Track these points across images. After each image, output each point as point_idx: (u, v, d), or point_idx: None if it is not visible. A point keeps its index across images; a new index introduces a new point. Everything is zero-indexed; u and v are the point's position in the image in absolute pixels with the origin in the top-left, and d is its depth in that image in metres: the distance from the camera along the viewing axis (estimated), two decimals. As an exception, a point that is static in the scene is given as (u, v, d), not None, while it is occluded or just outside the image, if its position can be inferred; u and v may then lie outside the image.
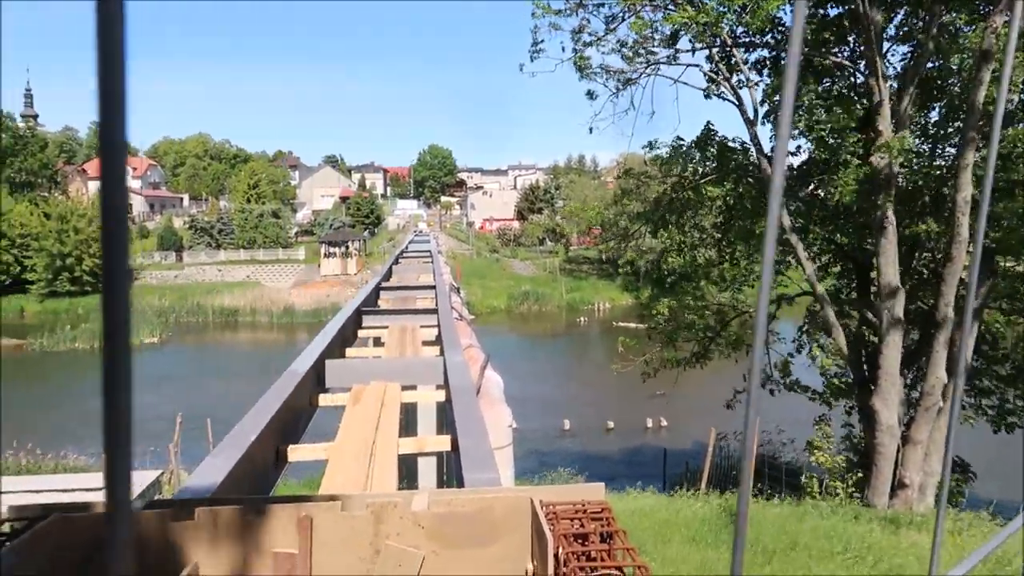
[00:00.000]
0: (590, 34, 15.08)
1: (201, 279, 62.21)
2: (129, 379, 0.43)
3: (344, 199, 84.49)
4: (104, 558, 0.45)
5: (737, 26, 14.30)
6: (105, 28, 0.38)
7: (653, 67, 15.58)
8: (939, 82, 14.36)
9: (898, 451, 13.53)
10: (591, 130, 16.44)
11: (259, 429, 3.84)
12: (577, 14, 14.92)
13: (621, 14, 14.71)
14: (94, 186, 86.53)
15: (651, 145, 16.19)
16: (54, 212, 59.29)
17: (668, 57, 15.41)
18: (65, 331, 47.04)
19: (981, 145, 12.48)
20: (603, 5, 14.74)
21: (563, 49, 15.46)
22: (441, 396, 5.90)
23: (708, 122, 16.19)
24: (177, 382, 33.30)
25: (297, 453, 4.35)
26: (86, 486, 12.53)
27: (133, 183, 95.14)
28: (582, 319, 56.46)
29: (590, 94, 16.05)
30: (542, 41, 15.28)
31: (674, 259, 17.65)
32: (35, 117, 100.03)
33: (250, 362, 37.11)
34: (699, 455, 17.99)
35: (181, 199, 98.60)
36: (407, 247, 31.19)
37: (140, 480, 12.20)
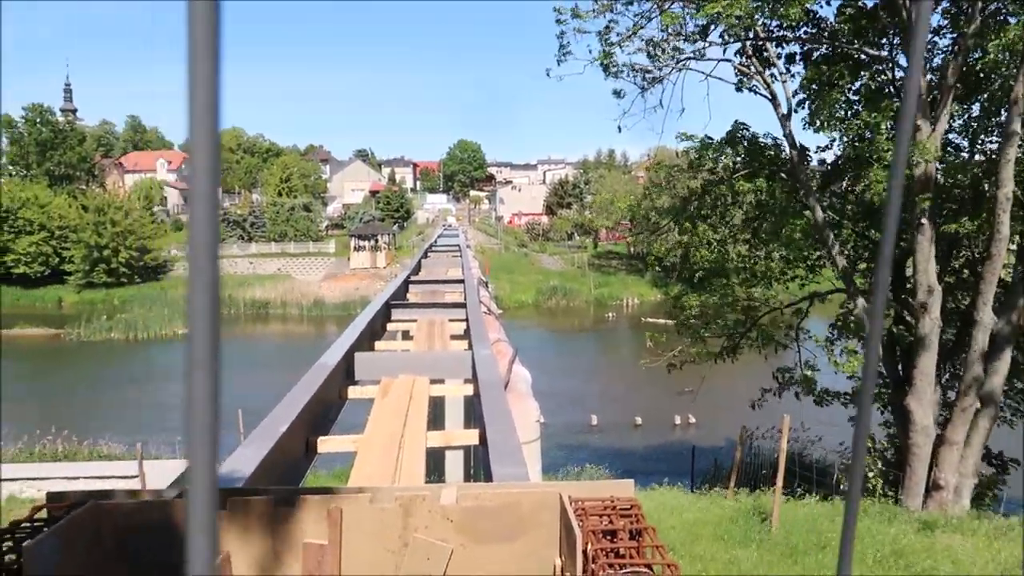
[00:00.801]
0: (617, 34, 14.95)
1: (233, 271, 63.03)
2: (215, 368, 0.44)
3: (374, 193, 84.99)
4: (189, 544, 0.45)
5: (771, 19, 14.09)
6: (198, 27, 0.38)
7: (682, 63, 15.41)
8: (980, 75, 14.02)
9: (933, 452, 13.29)
10: (620, 128, 16.31)
11: (290, 420, 3.88)
12: (604, 16, 14.79)
13: (650, 11, 14.56)
14: (131, 179, 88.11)
15: (684, 136, 16.01)
16: (92, 205, 60.45)
17: (696, 52, 15.23)
18: (101, 321, 47.98)
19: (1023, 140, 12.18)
20: (632, 3, 14.59)
21: (590, 51, 15.36)
22: (469, 390, 5.92)
23: (736, 120, 15.99)
24: (209, 373, 33.70)
25: (327, 445, 4.39)
26: (120, 473, 12.78)
27: (168, 176, 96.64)
28: (610, 315, 56.23)
29: (617, 93, 15.92)
30: (568, 44, 15.19)
31: (703, 254, 17.45)
32: (74, 111, 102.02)
33: (280, 354, 37.55)
34: (727, 453, 17.85)
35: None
36: (436, 241, 31.35)
37: (173, 469, 12.41)
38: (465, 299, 9.89)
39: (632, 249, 65.28)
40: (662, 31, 14.61)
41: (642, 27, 14.68)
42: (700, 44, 15.10)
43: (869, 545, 8.85)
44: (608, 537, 2.18)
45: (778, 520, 9.39)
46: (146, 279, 61.13)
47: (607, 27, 14.84)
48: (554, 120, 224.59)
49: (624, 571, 2.00)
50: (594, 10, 14.67)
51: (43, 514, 2.47)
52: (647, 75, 15.55)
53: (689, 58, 15.36)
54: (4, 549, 2.24)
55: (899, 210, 0.54)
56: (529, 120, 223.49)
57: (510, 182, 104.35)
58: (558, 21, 14.91)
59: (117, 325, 47.63)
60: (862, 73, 14.51)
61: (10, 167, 70.27)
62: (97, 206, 60.25)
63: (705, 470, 18.62)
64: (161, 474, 11.73)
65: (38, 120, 71.27)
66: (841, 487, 14.23)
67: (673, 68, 15.45)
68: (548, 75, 15.74)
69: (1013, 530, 10.18)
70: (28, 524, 2.40)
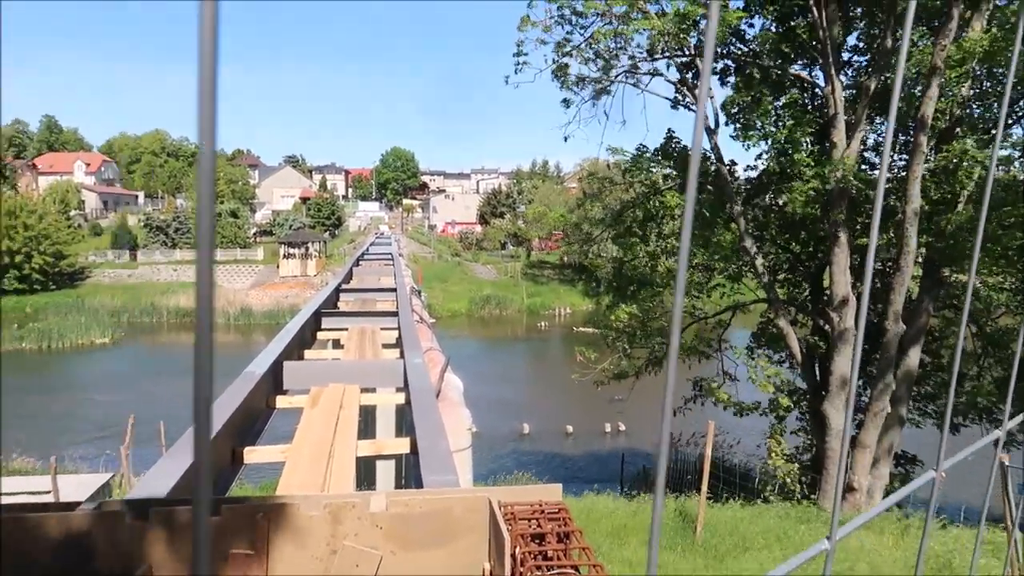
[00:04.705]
0: (571, 45, 15.33)
1: (156, 278, 60.93)
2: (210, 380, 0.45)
3: (305, 200, 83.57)
4: (194, 550, 0.46)
5: (699, 36, 14.56)
6: (204, 30, 0.40)
7: (624, 75, 15.84)
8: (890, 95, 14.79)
9: (848, 456, 13.86)
10: (566, 139, 16.68)
11: (215, 431, 3.80)
12: (563, 27, 15.16)
13: (596, 24, 14.93)
14: (45, 181, 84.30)
15: (615, 150, 16.40)
16: (2, 208, 57.51)
17: (634, 65, 15.67)
18: (12, 330, 45.65)
19: (930, 157, 12.89)
20: (583, 15, 14.95)
21: (545, 60, 15.70)
22: (401, 399, 5.89)
23: (669, 130, 16.48)
24: (130, 383, 32.55)
25: (254, 455, 4.31)
26: (32, 489, 12.19)
27: (86, 179, 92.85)
28: (543, 324, 56.64)
29: (566, 103, 16.25)
30: (526, 54, 15.48)
31: (635, 264, 17.85)
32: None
33: (205, 364, 36.32)
34: (655, 459, 18.17)
35: (136, 196, 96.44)
36: (368, 249, 30.97)
37: (91, 483, 11.92)
38: (397, 308, 9.83)
39: (565, 259, 66.00)
40: (612, 40, 14.98)
41: (591, 41, 15.02)
42: (637, 60, 15.54)
43: (787, 545, 9.17)
44: (536, 540, 2.23)
45: (703, 524, 9.64)
46: (61, 286, 58.49)
47: (564, 40, 15.18)
48: (488, 129, 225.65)
49: (551, 573, 2.05)
50: (553, 18, 14.97)
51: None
52: (595, 85, 15.93)
53: (628, 70, 15.77)
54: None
55: (879, 225, 0.60)
56: (463, 129, 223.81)
57: (443, 191, 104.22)
58: (519, 28, 15.14)
59: (29, 335, 45.38)
60: (780, 93, 15.16)
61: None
62: (8, 209, 57.33)
63: (634, 476, 18.95)
64: (77, 488, 11.24)
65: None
66: (763, 493, 14.70)
67: (614, 81, 15.85)
68: (507, 82, 15.95)
69: (918, 528, 10.72)
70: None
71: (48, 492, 11.28)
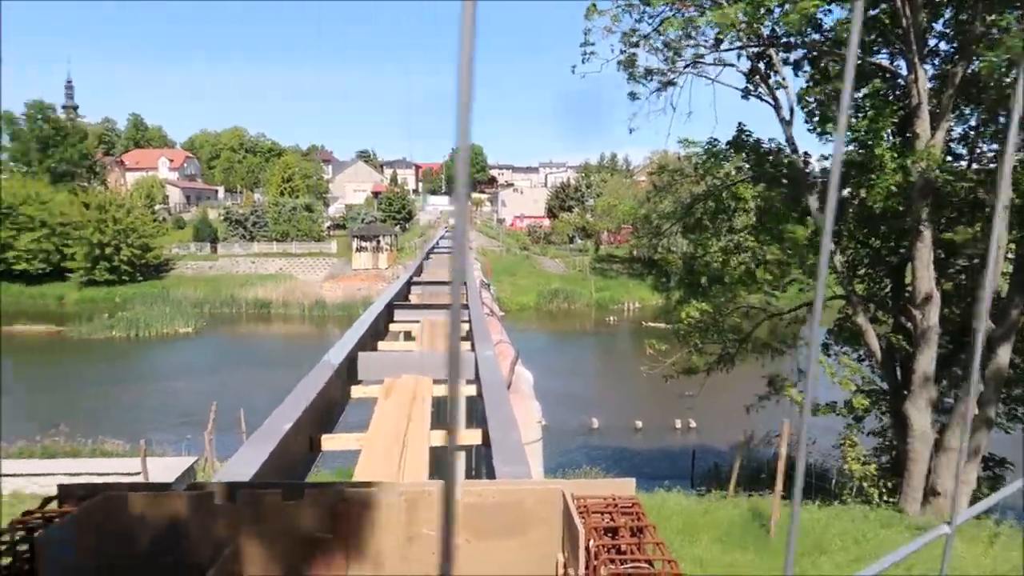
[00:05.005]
0: (639, 35, 15.14)
1: (235, 271, 63.07)
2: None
3: (376, 194, 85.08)
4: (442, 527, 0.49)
5: (775, 26, 14.18)
6: (464, 29, 0.42)
7: (692, 67, 15.55)
8: (980, 84, 14.09)
9: (931, 458, 13.33)
10: (631, 131, 16.45)
11: (294, 418, 3.92)
12: (631, 15, 14.99)
13: (665, 13, 14.70)
14: (132, 177, 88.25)
15: (687, 142, 16.12)
16: (93, 202, 60.48)
17: (706, 56, 15.38)
18: (103, 319, 48.00)
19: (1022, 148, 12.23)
20: (650, 4, 14.75)
21: (612, 50, 15.55)
22: (471, 390, 5.96)
23: (740, 124, 16.10)
24: (211, 372, 33.86)
25: (331, 443, 4.44)
26: (123, 470, 12.82)
27: (170, 175, 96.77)
28: (611, 318, 56.27)
29: (633, 95, 16.05)
30: (593, 43, 15.39)
31: (707, 259, 17.53)
32: (75, 108, 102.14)
33: (282, 354, 37.58)
34: (727, 457, 17.90)
35: (216, 191, 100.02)
36: (438, 243, 31.36)
37: (176, 466, 12.46)
38: (467, 300, 9.93)
39: (634, 253, 65.33)
40: (682, 30, 14.73)
41: (660, 31, 14.82)
42: (707, 50, 15.24)
43: (866, 549, 8.89)
44: (609, 534, 2.23)
45: (777, 524, 9.44)
46: (147, 277, 61.17)
47: (632, 29, 15.03)
48: (556, 124, 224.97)
49: (625, 566, 2.05)
50: (620, 7, 14.84)
51: (54, 506, 2.52)
52: (662, 77, 15.71)
53: (698, 61, 15.48)
54: (17, 539, 2.29)
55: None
56: (532, 123, 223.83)
57: (512, 185, 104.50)
58: (587, 16, 15.08)
59: (118, 323, 47.63)
60: (863, 83, 14.61)
61: (11, 164, 70.31)
62: (99, 203, 60.28)
63: (704, 473, 18.67)
64: (163, 471, 11.78)
65: (39, 117, 71.35)
66: (842, 494, 14.27)
67: (682, 72, 15.59)
68: (573, 71, 15.89)
69: (1010, 536, 10.22)
70: (40, 516, 2.45)
71: (138, 473, 11.85)
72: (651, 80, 15.80)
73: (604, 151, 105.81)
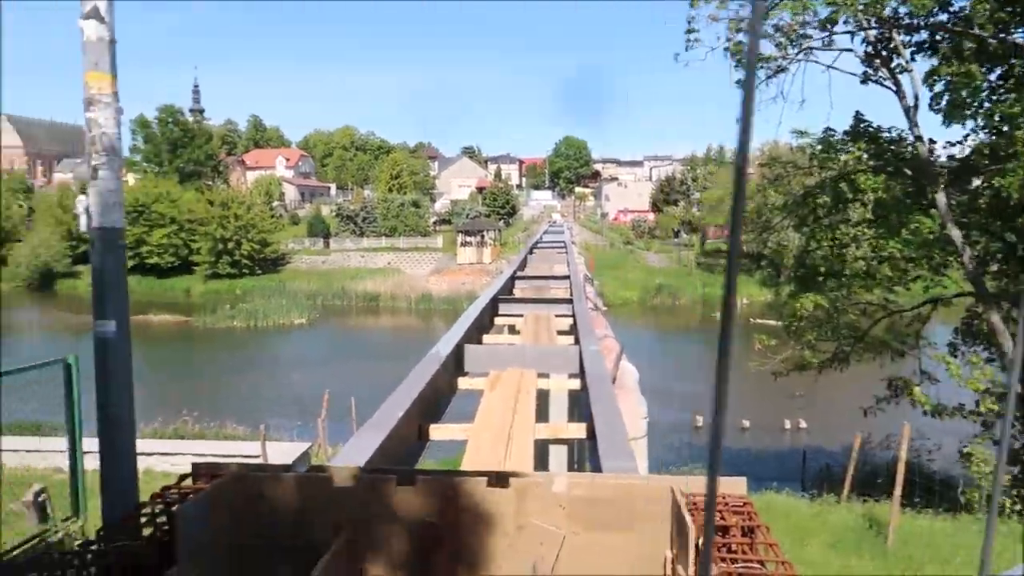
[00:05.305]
0: (746, 20, 14.62)
1: (346, 265, 65.44)
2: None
3: (480, 189, 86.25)
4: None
5: (899, 6, 13.40)
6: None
7: (805, 53, 14.88)
8: None
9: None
10: (739, 120, 15.89)
11: (404, 407, 4.04)
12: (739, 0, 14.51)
13: None
14: (252, 176, 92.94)
15: (800, 132, 15.47)
16: (217, 200, 64.20)
17: (822, 41, 14.67)
18: (225, 310, 50.90)
19: None
20: None
21: (717, 38, 15.10)
22: (575, 384, 5.96)
23: (858, 112, 15.30)
24: (323, 362, 35.31)
25: (439, 432, 4.54)
26: (244, 453, 13.56)
27: (286, 173, 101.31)
28: (718, 314, 54.65)
29: (740, 82, 15.51)
30: (697, 30, 14.99)
31: (820, 253, 16.75)
32: (201, 111, 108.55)
33: (390, 345, 38.75)
34: (839, 459, 17.12)
35: (329, 188, 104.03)
36: (541, 238, 31.49)
37: (291, 451, 13.06)
38: (571, 295, 9.93)
39: (746, 249, 63.28)
40: (796, 15, 14.13)
41: (769, 13, 14.25)
42: (825, 33, 14.55)
43: (996, 564, 8.31)
44: (720, 532, 2.19)
45: (895, 532, 8.96)
46: (265, 271, 64.36)
47: (739, 16, 14.56)
48: (661, 116, 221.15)
49: (737, 565, 2.00)
50: None
51: (188, 482, 2.71)
52: (773, 63, 15.12)
53: (813, 47, 14.81)
54: (156, 512, 2.47)
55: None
56: (636, 116, 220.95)
57: (616, 178, 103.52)
58: (692, 3, 14.74)
59: (239, 314, 50.37)
60: (998, 63, 13.59)
61: (144, 164, 75.45)
62: (222, 201, 63.91)
63: (816, 476, 17.93)
64: (280, 455, 12.38)
65: (170, 120, 76.29)
66: (967, 505, 13.37)
67: (794, 58, 14.95)
68: (676, 59, 15.55)
69: None
70: (176, 491, 2.63)
71: (258, 456, 12.51)
72: (761, 67, 15.22)
73: (711, 143, 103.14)
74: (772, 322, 27.21)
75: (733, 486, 2.42)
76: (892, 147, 14.92)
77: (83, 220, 4.77)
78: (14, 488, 9.05)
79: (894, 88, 14.34)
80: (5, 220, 67.17)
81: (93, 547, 2.29)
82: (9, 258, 65.29)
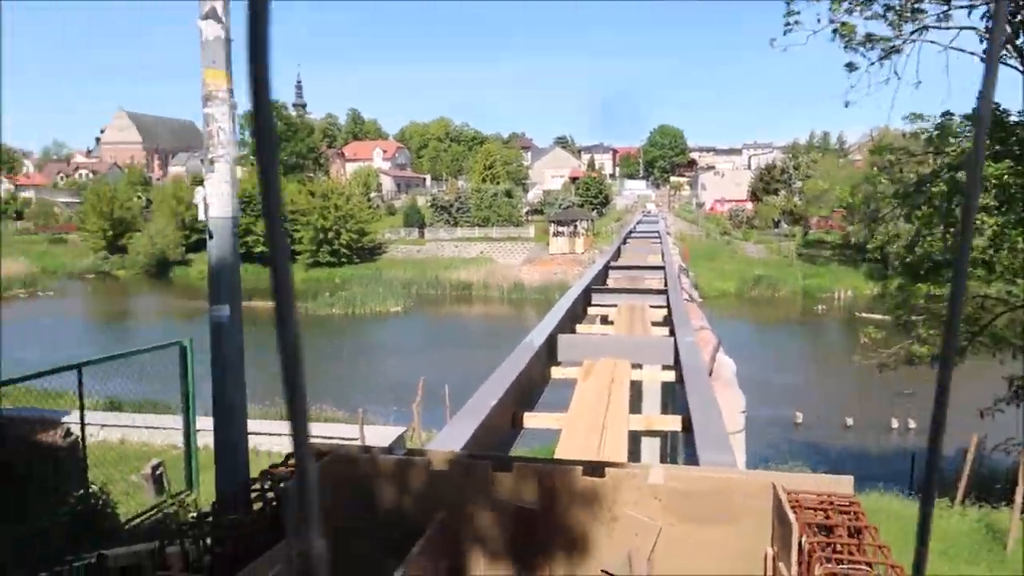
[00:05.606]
0: (853, 0, 13.89)
1: (440, 254, 66.60)
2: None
3: (573, 179, 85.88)
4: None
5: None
6: None
7: (921, 32, 14.01)
8: None
9: None
10: (847, 104, 15.09)
11: (498, 395, 4.08)
12: None
13: None
14: (351, 167, 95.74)
15: (915, 116, 14.59)
16: (318, 191, 66.54)
17: (937, 16, 13.77)
18: (325, 297, 52.75)
19: None
20: None
21: (818, 19, 14.41)
22: (668, 376, 5.88)
23: (980, 92, 14.30)
24: (417, 349, 36.11)
25: (532, 421, 4.57)
26: (342, 435, 14.03)
27: (383, 164, 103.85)
28: (820, 307, 52.81)
29: (850, 66, 14.75)
30: (798, 12, 14.35)
31: (933, 243, 15.80)
32: (304, 106, 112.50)
33: (482, 334, 39.23)
34: (954, 462, 16.20)
35: (424, 179, 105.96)
36: (635, 227, 31.14)
37: (387, 434, 13.44)
38: (666, 285, 9.79)
39: (852, 240, 60.44)
40: None
41: None
42: (943, 6, 13.65)
43: None
44: (824, 532, 2.11)
45: (1016, 540, 8.43)
46: (363, 260, 66.28)
47: None
48: (761, 102, 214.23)
49: (843, 567, 1.93)
50: None
51: (293, 461, 2.83)
52: (885, 44, 14.30)
53: (929, 25, 13.93)
54: (265, 488, 2.60)
55: None
56: (734, 103, 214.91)
57: (713, 167, 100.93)
58: None
59: (338, 301, 52.08)
60: None
61: (251, 157, 78.85)
62: (323, 192, 66.17)
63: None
64: (377, 439, 12.75)
65: (275, 115, 79.42)
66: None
67: (908, 38, 14.10)
68: (772, 45, 14.96)
69: None
70: (283, 469, 2.76)
71: (355, 439, 12.92)
72: (872, 48, 14.43)
73: (814, 129, 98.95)
74: (878, 316, 25.93)
75: (839, 485, 2.34)
76: (1019, 131, 13.92)
77: (200, 211, 5.04)
78: (134, 462, 9.69)
79: (1021, 67, 13.38)
80: (125, 211, 71.73)
81: (208, 519, 2.43)
82: (129, 247, 69.65)
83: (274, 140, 0.42)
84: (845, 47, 14.41)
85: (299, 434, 0.44)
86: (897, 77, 14.55)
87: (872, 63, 14.56)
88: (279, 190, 0.43)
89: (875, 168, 18.84)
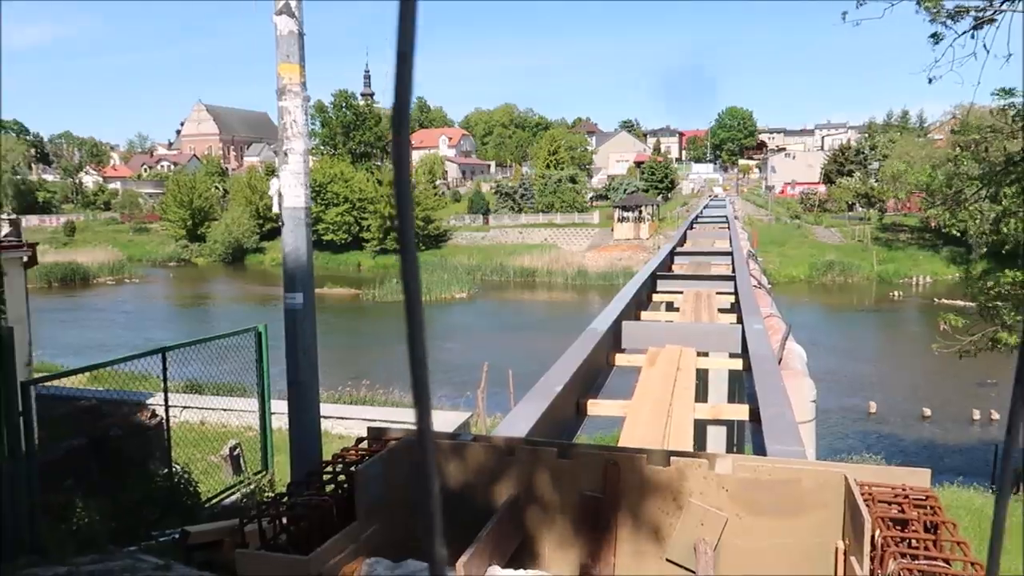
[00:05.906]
0: None
1: (504, 240, 66.81)
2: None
3: (639, 164, 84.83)
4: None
5: None
6: None
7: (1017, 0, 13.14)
8: None
9: None
10: (931, 80, 14.31)
11: (563, 382, 4.09)
12: None
13: None
14: (417, 155, 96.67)
15: (1005, 92, 13.79)
16: (385, 179, 67.54)
17: None
18: (392, 284, 53.60)
19: None
20: None
21: None
22: (736, 364, 5.78)
23: (1076, 65, 13.48)
24: (482, 334, 36.40)
25: (596, 408, 4.57)
26: (408, 419, 14.29)
27: (448, 152, 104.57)
28: (896, 293, 50.93)
29: (935, 36, 13.95)
30: None
31: (1020, 227, 15.02)
32: (371, 95, 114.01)
33: (546, 320, 39.26)
34: (1040, 457, 15.46)
35: (488, 166, 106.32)
36: (701, 212, 30.56)
37: (452, 420, 13.61)
38: (734, 272, 9.60)
39: (933, 223, 57.96)
40: None
41: None
42: None
43: None
44: (898, 526, 2.06)
45: (1107, 540, 8.00)
46: (429, 246, 67.03)
47: None
48: (835, 81, 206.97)
49: (918, 562, 1.88)
50: None
51: (364, 445, 2.91)
52: (977, 14, 13.49)
53: None
54: (338, 471, 2.69)
55: None
56: (806, 82, 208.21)
57: (783, 149, 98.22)
58: None
59: (404, 288, 52.77)
60: None
61: (321, 147, 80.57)
62: (389, 180, 66.97)
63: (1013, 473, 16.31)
64: (443, 423, 12.93)
65: (343, 105, 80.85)
66: None
67: (999, 8, 13.28)
68: (844, 19, 14.32)
69: None
70: (354, 452, 2.85)
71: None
72: (961, 20, 13.60)
73: (892, 108, 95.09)
74: (960, 302, 24.86)
75: (915, 477, 2.27)
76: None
77: (275, 201, 5.21)
78: (213, 443, 10.08)
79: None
80: (204, 201, 74.28)
81: (284, 500, 2.53)
82: (207, 235, 72.15)
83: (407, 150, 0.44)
84: (931, 19, 13.64)
85: (426, 460, 0.46)
86: (985, 50, 13.74)
87: (959, 36, 13.79)
88: (409, 190, 0.45)
89: (958, 147, 17.99)
